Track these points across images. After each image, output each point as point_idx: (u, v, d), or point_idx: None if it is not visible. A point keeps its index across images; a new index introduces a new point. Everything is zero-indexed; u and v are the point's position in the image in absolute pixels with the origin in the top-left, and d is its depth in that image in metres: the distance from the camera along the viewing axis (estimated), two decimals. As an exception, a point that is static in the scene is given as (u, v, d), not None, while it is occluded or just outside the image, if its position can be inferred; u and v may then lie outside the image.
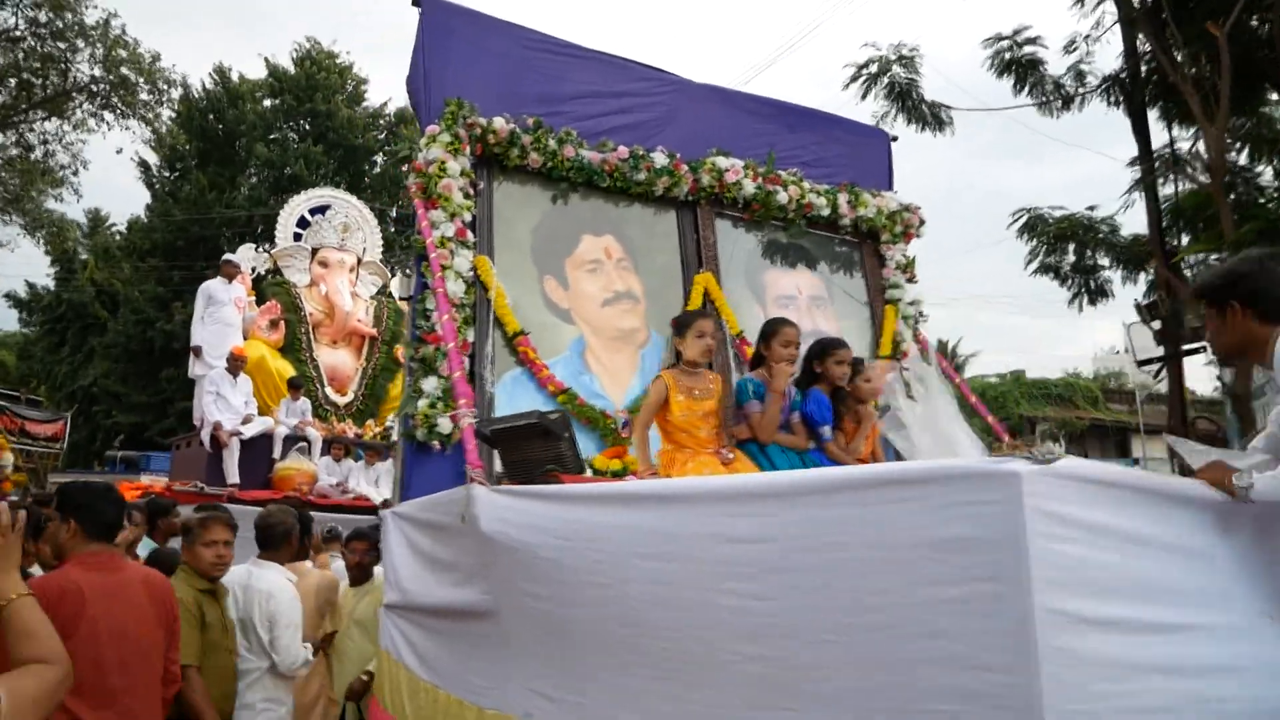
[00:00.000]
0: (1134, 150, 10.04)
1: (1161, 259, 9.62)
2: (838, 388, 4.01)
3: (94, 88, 17.63)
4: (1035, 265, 10.75)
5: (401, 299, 3.94)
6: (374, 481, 9.15)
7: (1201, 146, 9.15)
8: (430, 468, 4.18)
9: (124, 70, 17.22)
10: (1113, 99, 10.06)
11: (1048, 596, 1.58)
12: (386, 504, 8.77)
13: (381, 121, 29.40)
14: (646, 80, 5.41)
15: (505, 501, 2.93)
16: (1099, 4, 9.95)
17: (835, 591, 1.96)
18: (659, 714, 2.34)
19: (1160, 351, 10.37)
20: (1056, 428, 27.72)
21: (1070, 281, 10.67)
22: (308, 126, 27.90)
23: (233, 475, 8.94)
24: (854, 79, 10.32)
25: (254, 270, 11.42)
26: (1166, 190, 10.12)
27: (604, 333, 4.84)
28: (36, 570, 3.76)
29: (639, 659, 2.40)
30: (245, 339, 10.36)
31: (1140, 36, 9.62)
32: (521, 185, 4.93)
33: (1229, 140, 8.85)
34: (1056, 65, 10.38)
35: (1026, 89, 10.23)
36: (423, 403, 4.19)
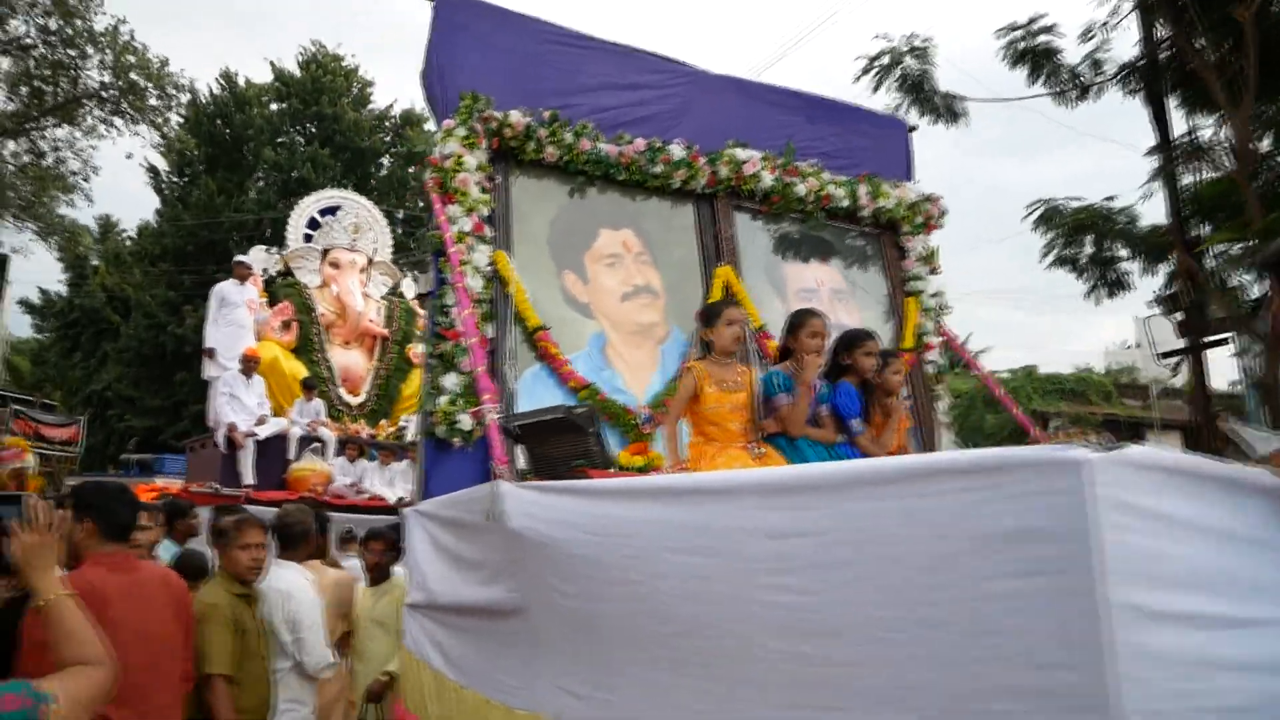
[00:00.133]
0: (1151, 139, 9.91)
1: (1183, 249, 9.47)
2: (865, 380, 3.93)
3: (104, 94, 17.67)
4: (1052, 258, 10.62)
5: (419, 295, 3.89)
6: (389, 481, 9.11)
7: (1224, 134, 9.00)
8: (451, 465, 4.12)
9: (133, 76, 17.25)
10: (1130, 87, 9.91)
11: (1119, 590, 1.50)
12: (403, 503, 8.76)
13: (387, 124, 29.40)
14: (662, 72, 5.33)
15: (533, 497, 2.87)
16: (1116, -10, 9.80)
17: (882, 587, 1.89)
18: (693, 712, 2.28)
19: (1182, 344, 10.21)
20: (1070, 423, 27.50)
21: (1088, 274, 10.52)
22: (314, 130, 27.92)
23: (248, 476, 8.91)
24: (866, 71, 10.24)
25: (265, 272, 11.40)
26: (1184, 180, 9.96)
27: (624, 327, 4.77)
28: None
29: (672, 656, 2.34)
30: (258, 340, 10.33)
31: (1158, 23, 9.47)
32: (538, 179, 4.87)
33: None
34: (1072, 54, 10.24)
35: (1042, 79, 10.09)
36: (443, 400, 4.13)
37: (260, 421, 9.29)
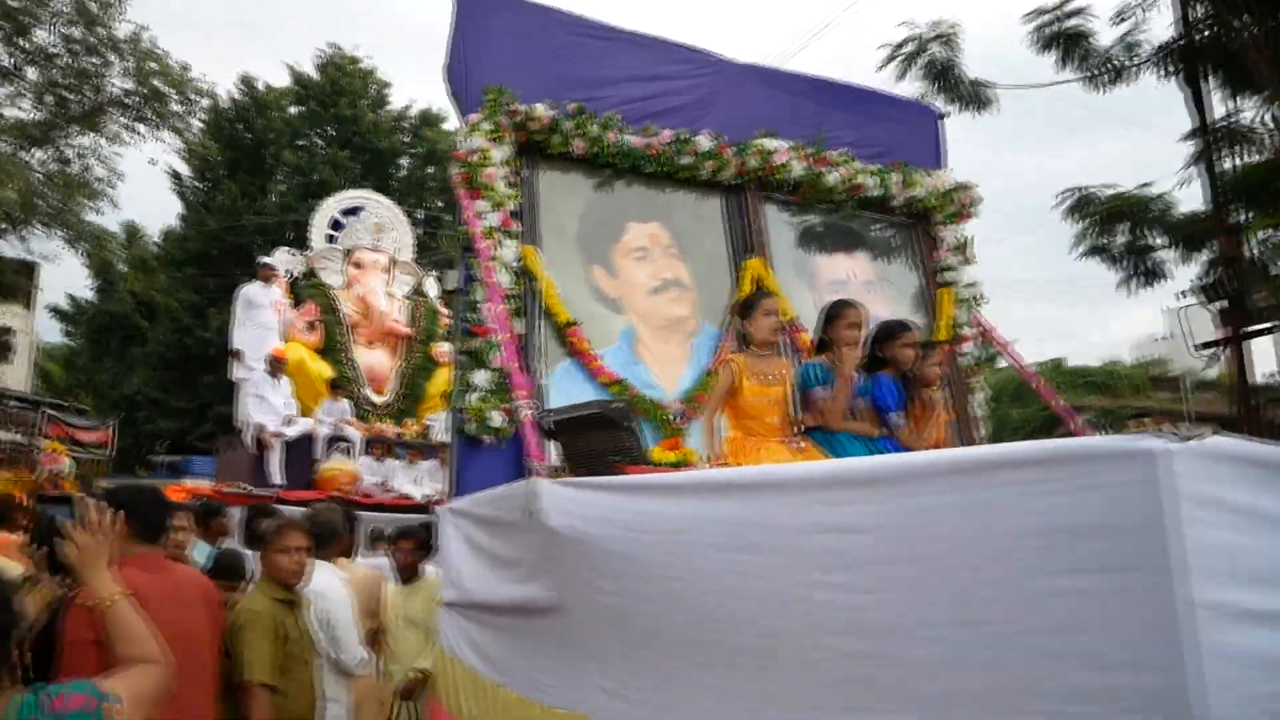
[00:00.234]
0: (1185, 124, 9.67)
1: (1225, 235, 9.22)
2: (904, 372, 3.85)
3: (127, 101, 17.80)
4: (1084, 248, 10.40)
5: (448, 292, 3.87)
6: (416, 480, 9.12)
7: (1268, 115, 8.74)
8: (483, 462, 4.08)
9: (155, 82, 17.36)
10: (1166, 70, 9.65)
11: (1200, 587, 1.43)
12: (430, 500, 8.76)
13: (406, 124, 29.49)
14: (688, 62, 5.27)
15: (571, 494, 2.82)
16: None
17: (943, 583, 1.82)
18: (743, 712, 2.22)
19: (1220, 334, 9.94)
20: (1101, 417, 27.17)
21: (1122, 263, 10.28)
22: (333, 132, 28.06)
23: (277, 476, 8.95)
24: (890, 60, 10.08)
25: (289, 274, 11.44)
26: (1224, 165, 9.69)
27: (654, 321, 4.71)
28: None
29: (721, 656, 2.28)
30: (284, 342, 10.37)
31: (1196, 2, 9.21)
32: (564, 173, 4.82)
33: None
34: (1104, 38, 9.99)
35: (1075, 63, 9.87)
36: (473, 396, 4.09)
37: (288, 422, 9.32)
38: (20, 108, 17.61)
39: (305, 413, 9.74)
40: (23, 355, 29.02)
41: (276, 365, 9.62)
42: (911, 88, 10.00)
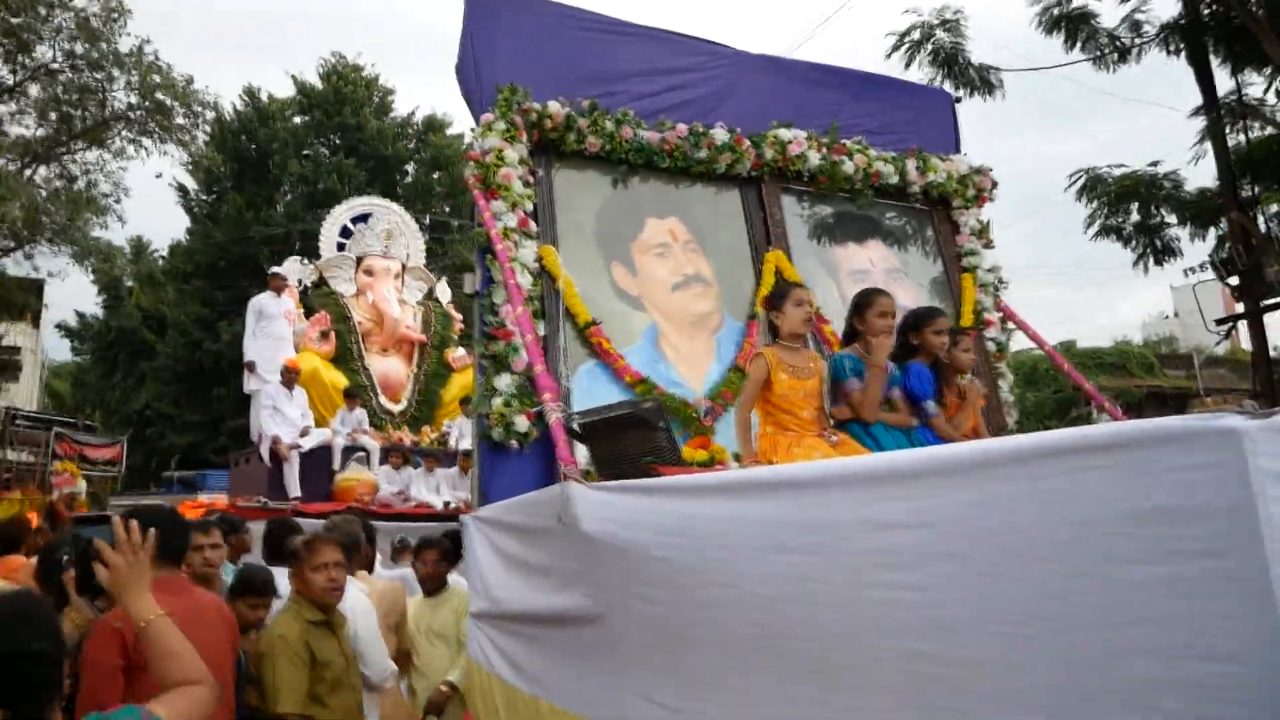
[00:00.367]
0: (1195, 100, 9.57)
1: (1237, 210, 9.11)
2: (935, 360, 3.77)
3: (131, 115, 17.83)
4: (1095, 228, 10.31)
5: (467, 296, 3.79)
6: (434, 488, 9.04)
7: (1276, 88, 8.65)
8: (509, 469, 4.01)
9: (159, 96, 17.38)
10: (1172, 48, 9.55)
11: (1295, 569, 1.34)
12: (450, 508, 8.70)
13: (410, 130, 29.48)
14: (700, 54, 5.19)
15: (606, 498, 2.74)
16: (1155, -52, 9.40)
17: (1009, 578, 1.74)
18: (800, 718, 2.14)
19: (1239, 309, 9.84)
20: (1113, 399, 26.97)
21: (1134, 242, 10.19)
22: (338, 140, 28.08)
23: (294, 488, 8.89)
24: (896, 48, 10.00)
25: (300, 283, 11.38)
26: (1232, 141, 9.58)
27: (676, 318, 4.63)
28: None
29: (775, 661, 2.20)
30: (297, 352, 10.32)
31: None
32: (580, 170, 4.74)
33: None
34: (1110, 18, 9.90)
35: (1079, 44, 9.78)
36: (497, 401, 4.02)
37: (304, 433, 9.26)
38: (24, 125, 17.68)
39: (321, 423, 9.67)
40: (31, 373, 29.12)
41: (290, 376, 9.56)
42: (918, 75, 9.94)
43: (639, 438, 3.02)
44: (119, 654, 2.80)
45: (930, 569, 1.86)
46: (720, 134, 4.90)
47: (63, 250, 17.12)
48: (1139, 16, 9.50)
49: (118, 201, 17.84)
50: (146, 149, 18.04)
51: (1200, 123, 9.35)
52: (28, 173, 17.15)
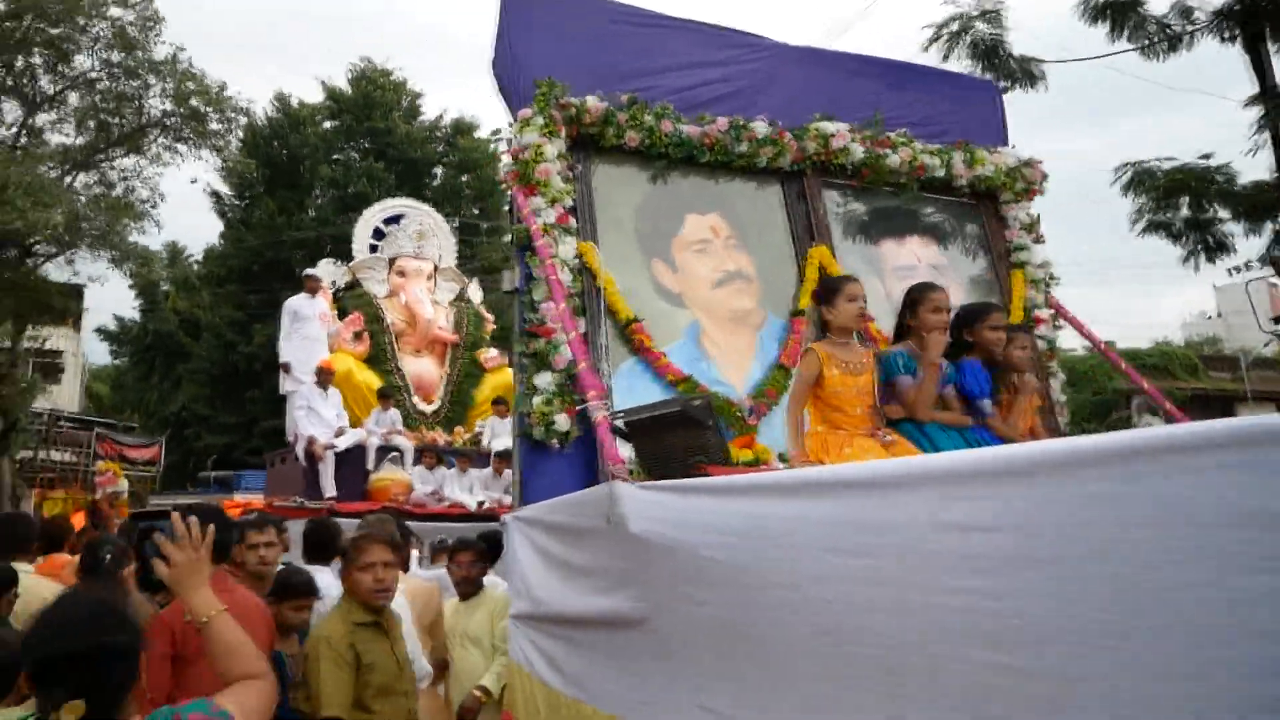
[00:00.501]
0: (1249, 89, 9.26)
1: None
2: (990, 357, 3.64)
3: (166, 121, 18.05)
4: (1143, 224, 10.04)
5: (505, 293, 3.73)
6: (468, 488, 9.02)
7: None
8: (550, 468, 3.93)
9: (193, 102, 17.56)
10: (1226, 34, 9.26)
11: None
12: (482, 508, 8.67)
13: (439, 133, 29.64)
14: (740, 46, 5.09)
15: (656, 498, 2.65)
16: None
17: (1098, 585, 1.62)
18: (867, 730, 2.03)
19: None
20: (1155, 401, 26.39)
21: (1184, 238, 9.91)
22: (368, 145, 28.32)
23: (330, 488, 8.90)
24: (934, 40, 9.81)
25: (334, 284, 11.42)
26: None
27: (718, 315, 4.54)
28: None
29: (839, 669, 2.10)
30: (331, 353, 10.35)
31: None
32: (618, 166, 4.66)
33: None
34: (1156, 5, 9.61)
35: (1125, 33, 9.52)
36: (537, 400, 3.94)
37: (339, 433, 9.28)
38: (64, 133, 17.96)
39: (355, 423, 9.69)
40: (72, 376, 29.66)
41: (324, 376, 9.58)
42: (956, 68, 9.71)
43: (686, 436, 2.92)
44: (168, 643, 2.87)
45: (1011, 575, 1.75)
46: (761, 127, 4.79)
47: (102, 255, 17.36)
48: (1190, 2, 9.21)
49: (154, 207, 18.05)
50: (181, 155, 18.26)
51: (1255, 112, 9.03)
52: (68, 180, 17.41)
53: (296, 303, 10.49)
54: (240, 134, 19.85)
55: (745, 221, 4.82)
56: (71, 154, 17.74)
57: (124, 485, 12.14)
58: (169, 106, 17.74)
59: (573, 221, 4.26)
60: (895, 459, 2.77)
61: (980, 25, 9.74)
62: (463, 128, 29.50)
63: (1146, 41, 9.51)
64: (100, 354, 34.54)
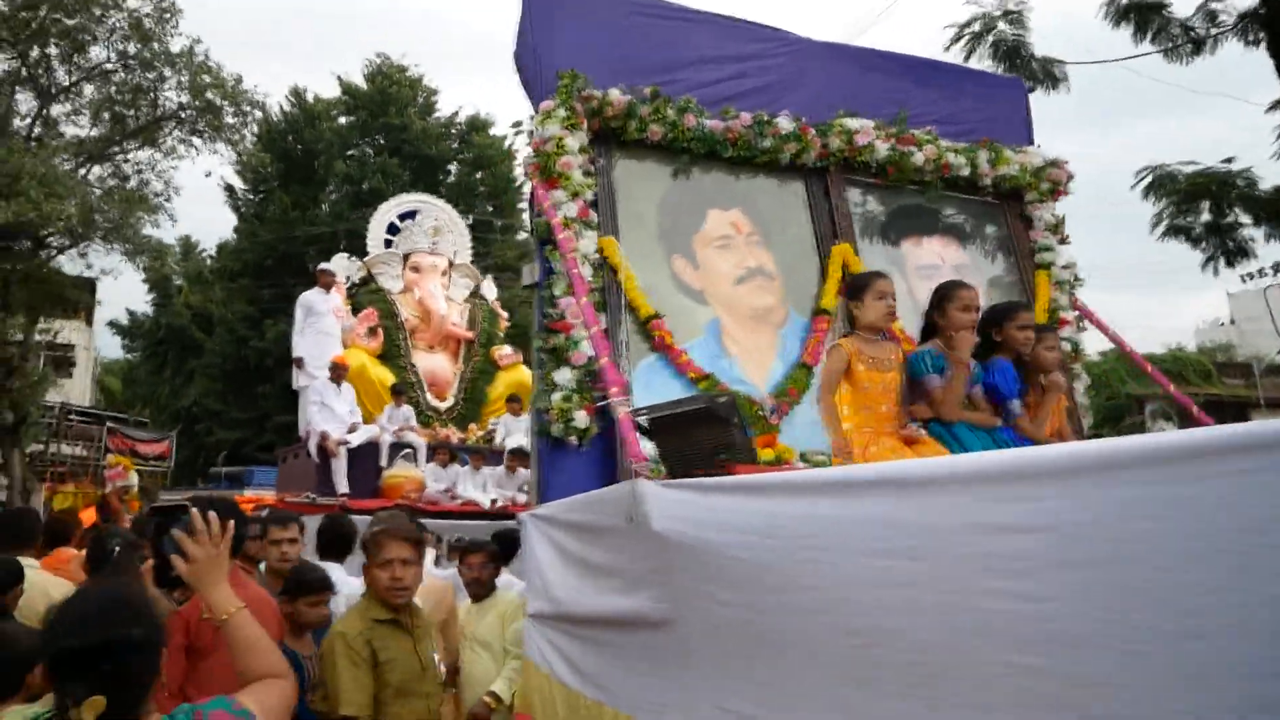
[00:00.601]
0: (1274, 93, 9.14)
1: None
2: (1018, 357, 3.57)
3: (182, 114, 18.07)
4: (1163, 228, 9.93)
5: (525, 287, 3.68)
6: (481, 486, 8.97)
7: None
8: (568, 465, 3.88)
9: (209, 95, 17.58)
10: (1251, 37, 9.15)
11: None
12: (495, 506, 8.63)
13: (454, 130, 29.66)
14: (764, 41, 5.02)
15: (680, 496, 2.60)
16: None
17: (1140, 589, 1.57)
18: (898, 735, 1.98)
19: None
20: (1169, 406, 26.28)
21: (1204, 243, 9.81)
22: (383, 140, 28.36)
23: (342, 485, 8.87)
24: (956, 40, 9.72)
25: (348, 279, 11.40)
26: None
27: (740, 313, 4.48)
28: None
29: (869, 673, 2.04)
30: (344, 348, 10.32)
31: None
32: (640, 160, 4.61)
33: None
34: (1181, 7, 9.50)
35: (1149, 36, 9.42)
36: (556, 396, 3.89)
37: (352, 429, 9.25)
38: (79, 125, 18.00)
39: (368, 419, 9.66)
40: (84, 370, 29.78)
41: (338, 372, 9.56)
42: (980, 67, 9.62)
43: (711, 433, 2.86)
44: (182, 634, 2.87)
45: (1050, 577, 1.70)
46: (785, 123, 4.73)
47: (115, 248, 17.38)
48: (1214, 6, 9.10)
49: (169, 200, 18.08)
50: (196, 148, 18.29)
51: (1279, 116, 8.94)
52: (82, 172, 17.45)
53: (311, 297, 10.47)
54: (255, 128, 19.85)
55: (768, 218, 4.76)
56: (86, 146, 17.79)
57: (134, 479, 12.13)
58: (184, 99, 17.76)
59: (593, 216, 4.20)
60: (931, 458, 2.71)
61: (1003, 26, 9.66)
62: (477, 125, 29.53)
63: (1170, 44, 9.41)
64: (112, 348, 34.73)
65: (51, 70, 17.15)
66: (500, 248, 26.25)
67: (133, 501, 11.02)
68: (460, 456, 9.31)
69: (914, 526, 1.93)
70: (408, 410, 9.91)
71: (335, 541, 4.46)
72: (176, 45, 17.13)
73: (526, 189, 3.85)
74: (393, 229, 11.83)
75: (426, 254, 11.44)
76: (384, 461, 9.23)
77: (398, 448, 9.36)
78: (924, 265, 5.04)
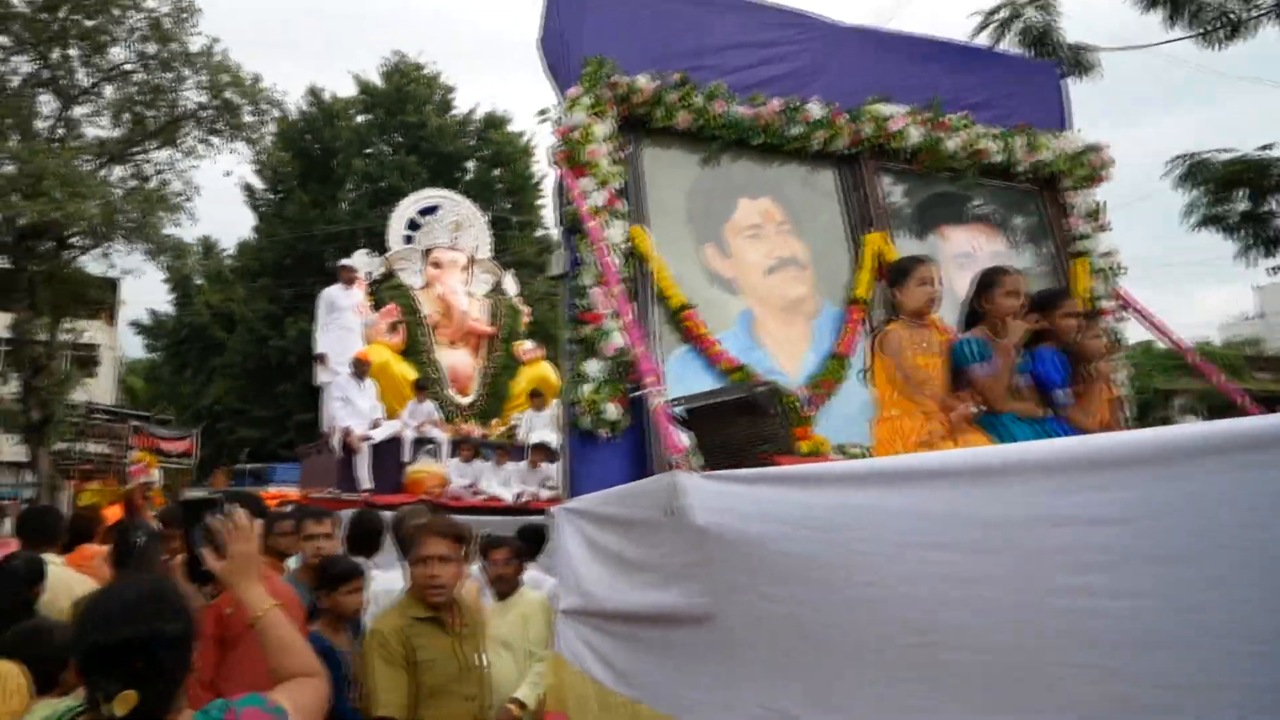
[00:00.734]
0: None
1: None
2: (1064, 346, 3.45)
3: (201, 114, 18.14)
4: (1197, 218, 9.73)
5: (552, 278, 3.62)
6: (505, 481, 8.91)
7: None
8: (599, 457, 3.81)
9: (228, 94, 17.63)
10: (1291, 19, 8.93)
11: None
12: (519, 501, 8.56)
13: (471, 127, 29.65)
14: (794, 26, 4.92)
15: (722, 488, 2.52)
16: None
17: (1232, 585, 1.47)
18: (958, 738, 1.88)
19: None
20: (1197, 401, 25.92)
21: (1240, 232, 9.59)
22: (400, 138, 28.39)
23: (365, 480, 8.85)
24: (983, 27, 9.55)
25: (369, 275, 11.37)
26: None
27: (772, 303, 4.38)
28: None
29: (928, 673, 1.95)
30: (366, 344, 10.30)
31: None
32: (667, 148, 4.52)
33: None
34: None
35: (1184, 19, 9.20)
36: (586, 388, 3.81)
37: (375, 425, 9.23)
38: (99, 125, 18.10)
39: (390, 415, 9.63)
40: (107, 370, 30.04)
41: (360, 367, 9.53)
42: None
43: (750, 424, 2.78)
44: (214, 625, 2.83)
45: (1127, 572, 1.60)
46: (816, 109, 4.63)
47: (137, 248, 17.47)
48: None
49: (189, 200, 18.15)
50: (216, 147, 18.35)
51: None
52: (103, 173, 17.56)
53: (332, 293, 10.45)
54: (274, 127, 19.90)
55: (799, 206, 4.67)
56: (107, 147, 17.89)
57: (156, 475, 12.18)
58: (203, 99, 17.83)
59: (622, 204, 4.12)
60: (991, 447, 2.60)
61: (1031, 11, 9.47)
62: (495, 122, 29.50)
63: (1206, 29, 9.20)
64: (135, 348, 35.00)
65: (72, 72, 17.26)
66: (519, 244, 26.22)
67: (156, 497, 11.04)
68: (483, 451, 9.26)
69: (977, 518, 1.84)
70: (430, 406, 9.86)
71: (364, 537, 4.40)
72: (195, 45, 17.20)
73: (547, 183, 3.79)
74: (413, 225, 11.78)
75: (447, 249, 11.39)
76: (407, 457, 9.19)
77: (420, 443, 9.32)
78: (960, 253, 4.93)
